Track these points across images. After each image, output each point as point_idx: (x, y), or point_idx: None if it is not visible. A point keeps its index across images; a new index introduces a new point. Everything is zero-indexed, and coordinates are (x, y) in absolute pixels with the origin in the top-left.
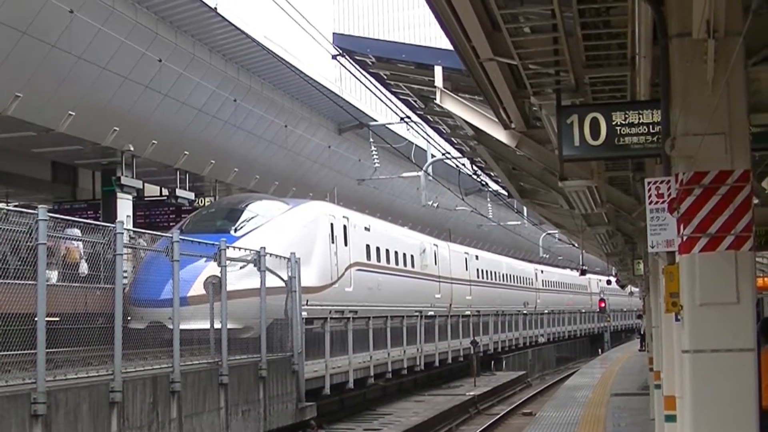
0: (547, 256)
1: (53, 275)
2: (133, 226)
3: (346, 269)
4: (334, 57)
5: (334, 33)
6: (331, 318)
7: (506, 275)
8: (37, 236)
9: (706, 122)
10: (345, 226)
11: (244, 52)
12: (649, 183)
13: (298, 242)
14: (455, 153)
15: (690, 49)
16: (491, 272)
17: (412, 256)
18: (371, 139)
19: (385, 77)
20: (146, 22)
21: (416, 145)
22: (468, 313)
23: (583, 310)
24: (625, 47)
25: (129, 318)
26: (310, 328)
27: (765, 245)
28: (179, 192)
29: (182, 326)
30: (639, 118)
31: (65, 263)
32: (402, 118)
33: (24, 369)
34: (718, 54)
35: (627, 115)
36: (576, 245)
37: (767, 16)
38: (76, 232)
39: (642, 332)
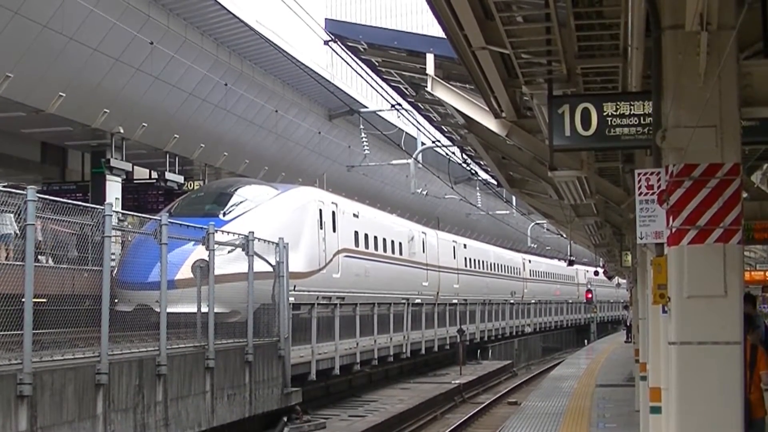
0: (535, 246)
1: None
2: (122, 209)
3: (334, 255)
4: (326, 43)
5: (326, 19)
6: (318, 304)
7: (494, 264)
8: (26, 217)
9: (697, 115)
10: (333, 212)
11: (236, 37)
12: (639, 174)
13: (286, 227)
14: (445, 141)
15: (683, 42)
16: (479, 261)
17: (400, 244)
18: (361, 126)
19: (377, 64)
20: (138, 4)
21: (406, 132)
22: (455, 301)
23: (570, 301)
24: (617, 38)
25: (116, 300)
26: (297, 313)
27: (753, 239)
28: (168, 175)
29: (169, 309)
30: (630, 110)
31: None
32: (393, 106)
33: (10, 350)
34: (710, 47)
35: (618, 106)
36: (564, 236)
37: (760, 10)
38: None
39: (628, 324)
